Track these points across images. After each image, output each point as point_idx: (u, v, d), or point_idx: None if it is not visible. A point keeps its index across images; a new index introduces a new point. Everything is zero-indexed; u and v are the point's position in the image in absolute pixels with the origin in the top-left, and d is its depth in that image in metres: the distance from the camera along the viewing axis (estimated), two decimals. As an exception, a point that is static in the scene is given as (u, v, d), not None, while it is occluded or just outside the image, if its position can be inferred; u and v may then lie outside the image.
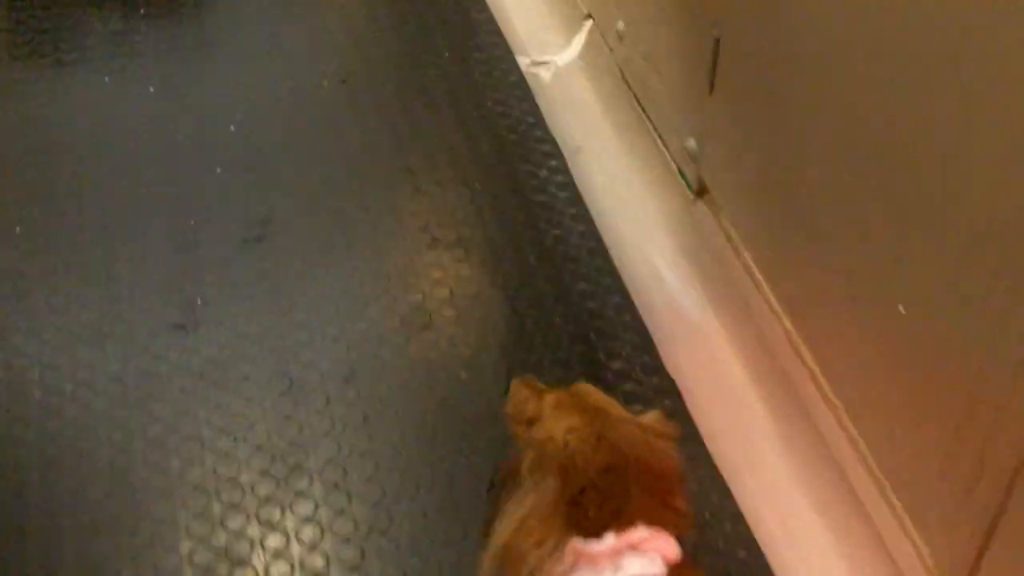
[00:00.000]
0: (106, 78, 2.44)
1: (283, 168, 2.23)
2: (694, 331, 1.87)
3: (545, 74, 2.42)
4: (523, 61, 2.45)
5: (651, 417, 1.32)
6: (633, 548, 1.21)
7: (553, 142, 2.25)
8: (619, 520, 1.21)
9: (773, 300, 1.73)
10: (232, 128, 2.32)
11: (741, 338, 1.81)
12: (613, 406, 1.31)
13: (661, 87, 2.04)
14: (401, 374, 1.83)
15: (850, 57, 1.39)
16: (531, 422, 1.30)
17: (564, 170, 2.19)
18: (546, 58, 2.44)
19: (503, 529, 1.27)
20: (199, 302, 1.95)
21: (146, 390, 1.80)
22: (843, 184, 1.46)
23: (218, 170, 2.21)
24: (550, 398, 1.31)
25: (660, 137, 2.07)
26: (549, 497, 1.23)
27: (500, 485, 1.34)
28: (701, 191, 1.93)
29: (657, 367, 1.83)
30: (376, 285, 1.98)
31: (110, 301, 1.94)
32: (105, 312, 1.92)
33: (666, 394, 1.78)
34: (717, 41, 1.75)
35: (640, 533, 1.21)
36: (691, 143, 1.91)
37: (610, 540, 1.20)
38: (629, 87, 2.19)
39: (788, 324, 1.69)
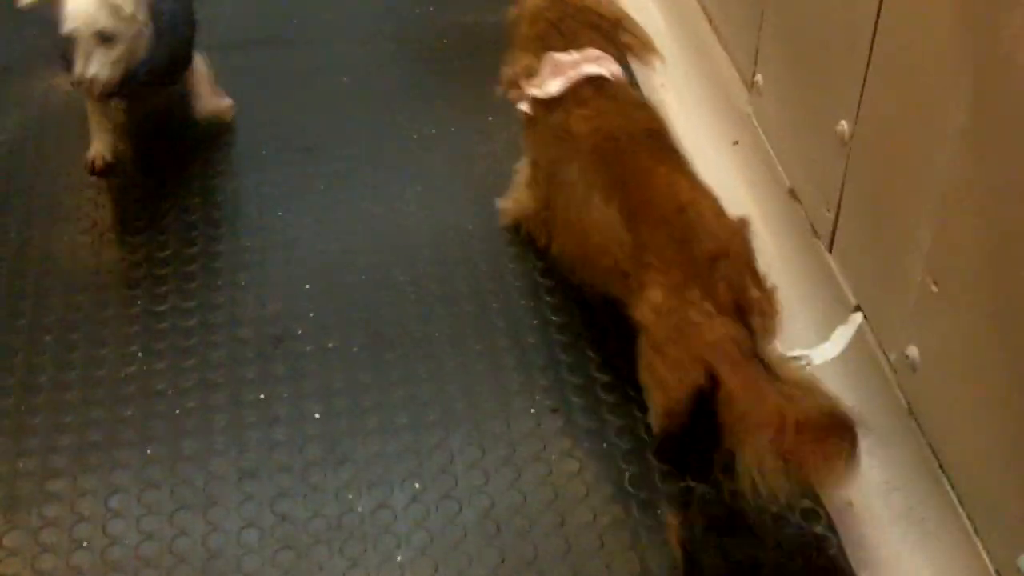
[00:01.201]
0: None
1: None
2: None
3: (795, 373, 1.93)
4: (769, 351, 1.97)
5: None
6: (589, 61, 1.84)
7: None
8: (578, 43, 1.89)
9: None
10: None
11: None
12: None
13: (986, 473, 1.54)
14: None
15: None
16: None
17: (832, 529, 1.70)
18: (797, 352, 1.96)
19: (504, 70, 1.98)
20: None
21: None
22: None
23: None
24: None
25: (977, 535, 1.55)
26: (525, 34, 1.94)
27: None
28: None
29: None
30: None
31: None
32: None
33: None
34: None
35: (595, 51, 1.87)
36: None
37: (575, 54, 1.86)
38: (923, 433, 1.68)
39: None
